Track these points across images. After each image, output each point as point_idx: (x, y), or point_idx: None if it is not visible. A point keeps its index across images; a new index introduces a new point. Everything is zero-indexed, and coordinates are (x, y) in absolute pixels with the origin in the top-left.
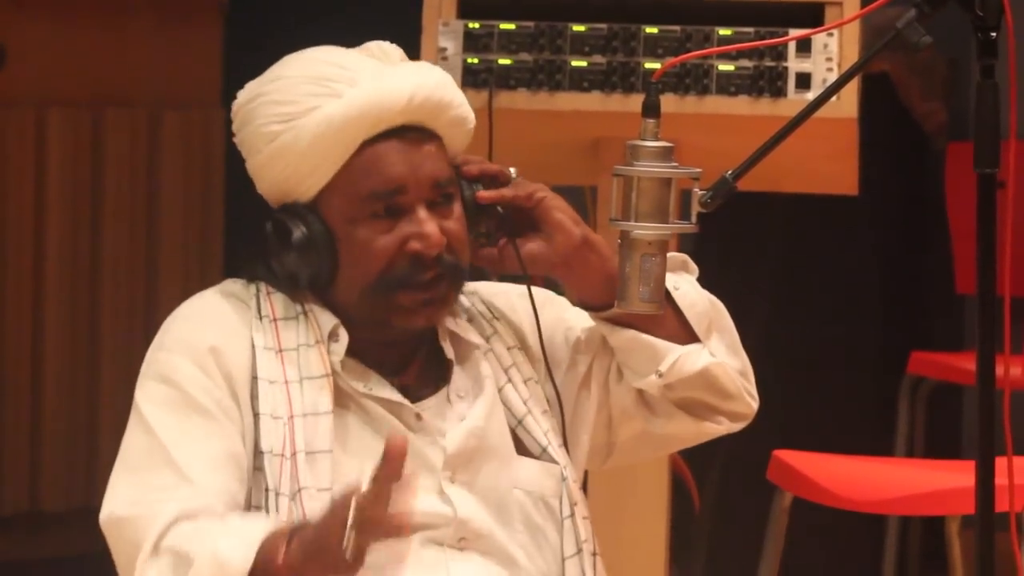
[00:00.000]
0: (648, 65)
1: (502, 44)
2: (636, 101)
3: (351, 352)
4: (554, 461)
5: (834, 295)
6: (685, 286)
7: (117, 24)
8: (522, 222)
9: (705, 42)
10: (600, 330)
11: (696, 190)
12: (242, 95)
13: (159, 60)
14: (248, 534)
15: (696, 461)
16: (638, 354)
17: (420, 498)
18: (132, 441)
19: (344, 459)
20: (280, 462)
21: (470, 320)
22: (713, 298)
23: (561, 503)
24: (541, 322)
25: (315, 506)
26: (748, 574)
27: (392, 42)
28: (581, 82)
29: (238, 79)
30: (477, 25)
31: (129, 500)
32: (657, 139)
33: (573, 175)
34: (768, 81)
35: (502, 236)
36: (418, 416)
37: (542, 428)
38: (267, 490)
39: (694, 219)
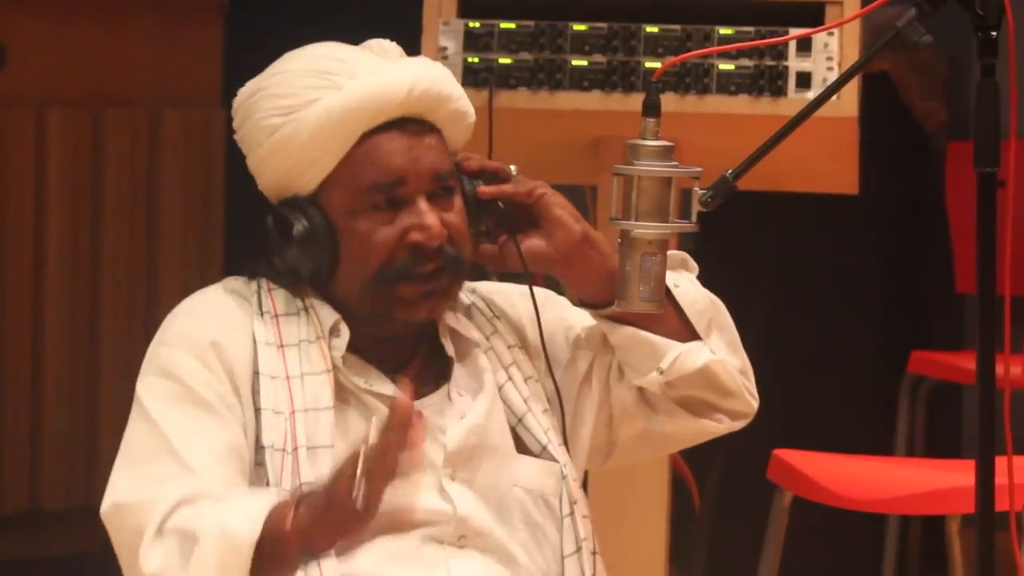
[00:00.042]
0: (648, 64)
1: (502, 43)
2: (636, 100)
3: (352, 348)
4: (554, 459)
5: (834, 294)
6: (685, 284)
7: (117, 24)
8: (522, 219)
9: (705, 41)
10: (600, 328)
11: (696, 189)
12: (242, 92)
13: (159, 60)
14: (254, 506)
15: (696, 461)
16: (639, 352)
17: (420, 495)
18: (134, 434)
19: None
20: (281, 457)
21: (470, 318)
22: (713, 296)
23: (561, 501)
24: (542, 321)
25: None
26: (748, 574)
27: (392, 41)
28: (581, 81)
29: (238, 79)
30: (477, 24)
31: (131, 489)
32: (657, 138)
33: (573, 174)
34: (768, 80)
35: (502, 233)
36: (418, 413)
37: (542, 426)
38: (268, 485)
39: (694, 218)
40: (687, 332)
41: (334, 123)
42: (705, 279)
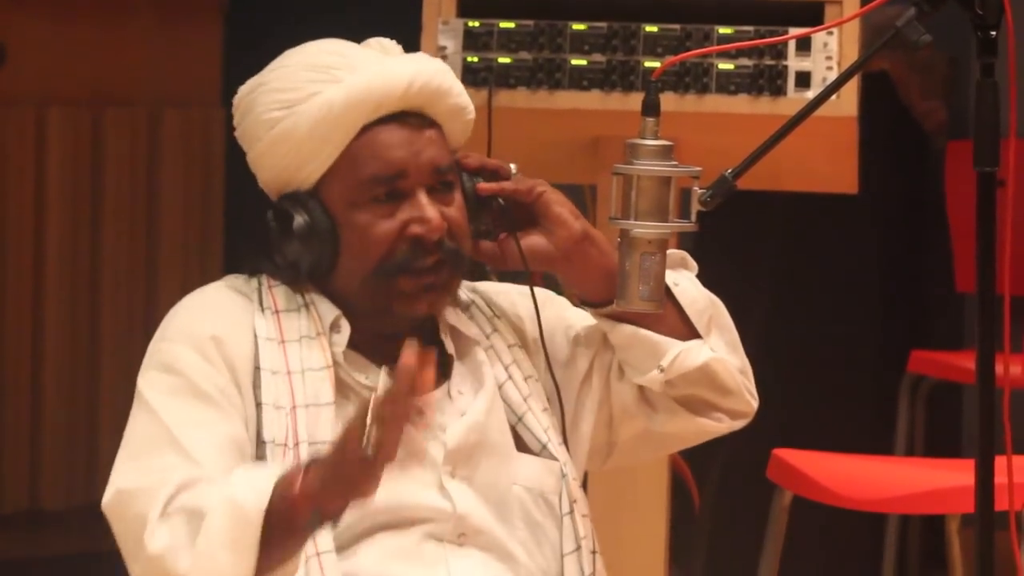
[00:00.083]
0: (648, 64)
1: (502, 43)
2: (636, 100)
3: (352, 345)
4: (554, 458)
5: (834, 294)
6: (685, 283)
7: (117, 23)
8: (522, 217)
9: (705, 41)
10: (601, 327)
11: (696, 189)
12: (243, 88)
13: (159, 59)
14: (261, 477)
15: (696, 461)
16: (639, 350)
17: (420, 493)
18: (135, 427)
19: None
20: (283, 452)
21: (471, 316)
22: (713, 296)
23: (560, 500)
24: (541, 320)
25: None
26: (748, 574)
27: (392, 40)
28: (581, 81)
29: (238, 78)
30: (477, 24)
31: (134, 477)
32: (657, 138)
33: (573, 174)
34: (768, 80)
35: (502, 231)
36: (419, 410)
37: (542, 425)
38: None
39: (694, 218)
40: (687, 331)
41: (334, 116)
42: (704, 279)
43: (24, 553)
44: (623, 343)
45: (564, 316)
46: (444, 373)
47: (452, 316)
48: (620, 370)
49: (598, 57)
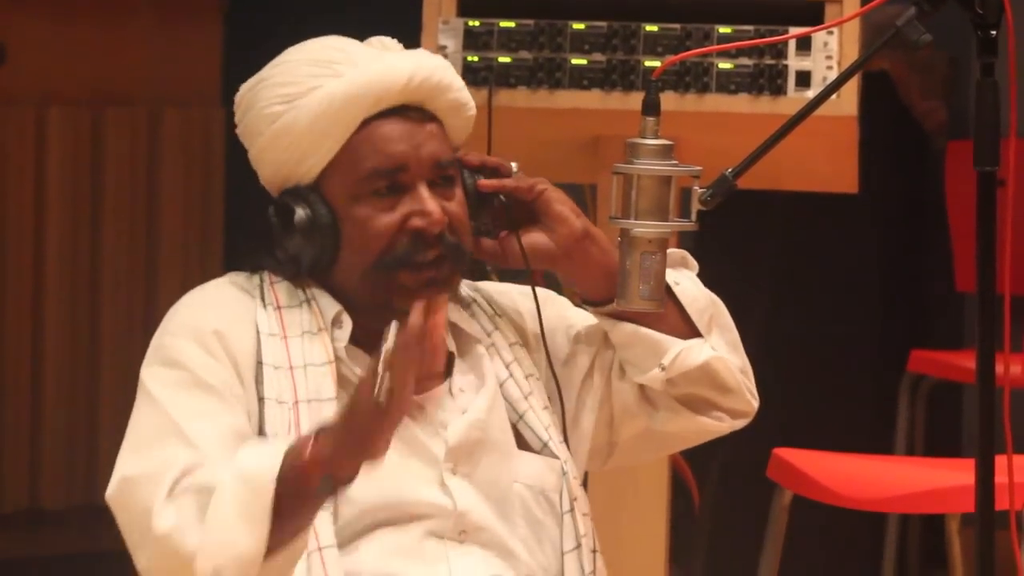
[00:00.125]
0: (648, 63)
1: (502, 42)
2: (636, 99)
3: (354, 340)
4: (555, 456)
5: (834, 293)
6: (686, 282)
7: (117, 22)
8: (522, 215)
9: (705, 40)
10: (602, 326)
11: (696, 188)
12: (244, 85)
13: (159, 58)
14: (269, 449)
15: (696, 461)
16: (640, 349)
17: (421, 489)
18: (139, 419)
19: None
20: None
21: (472, 315)
22: (713, 296)
23: (561, 498)
24: (543, 319)
25: None
26: (748, 573)
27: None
28: (581, 80)
29: (238, 78)
30: (477, 23)
31: (138, 465)
32: (657, 137)
33: (573, 173)
34: (768, 79)
35: (503, 229)
36: (420, 407)
37: (543, 423)
38: None
39: (694, 217)
40: (688, 329)
41: (335, 109)
42: (705, 278)
43: (24, 553)
44: (624, 341)
45: (565, 315)
46: (446, 371)
47: (453, 313)
48: (621, 369)
49: (598, 56)
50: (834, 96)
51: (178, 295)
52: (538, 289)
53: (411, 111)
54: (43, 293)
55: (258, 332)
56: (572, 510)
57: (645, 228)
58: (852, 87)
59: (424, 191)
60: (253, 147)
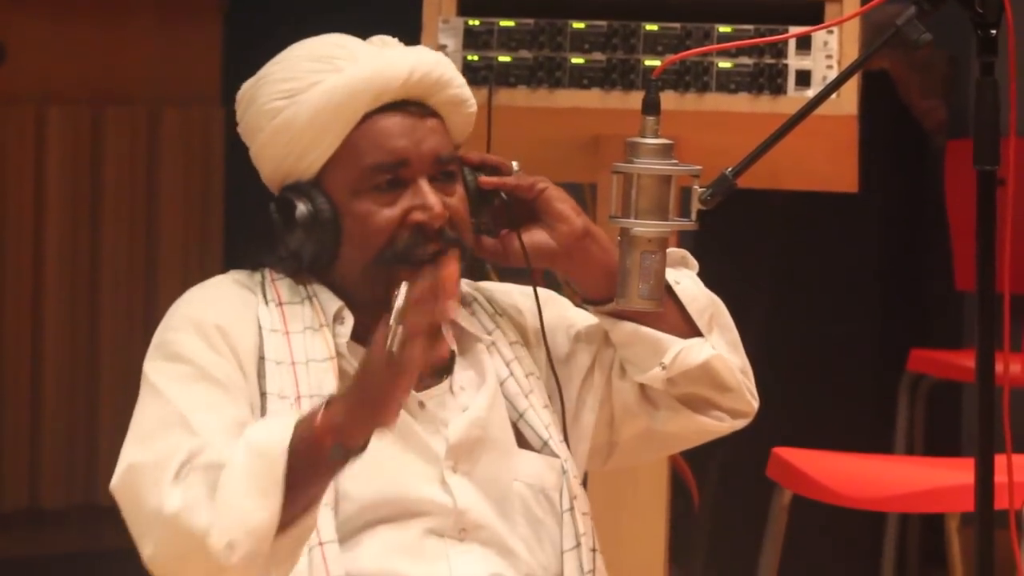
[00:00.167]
0: (648, 62)
1: (502, 41)
2: (636, 98)
3: (355, 337)
4: (555, 455)
5: (834, 293)
6: (686, 281)
7: (117, 22)
8: (523, 213)
9: (705, 39)
10: (602, 325)
11: (696, 187)
12: (245, 84)
13: (159, 58)
14: (279, 421)
15: (696, 461)
16: (640, 348)
17: (421, 487)
18: (144, 411)
19: None
20: None
21: (473, 313)
22: (713, 295)
23: (561, 497)
24: (544, 319)
25: None
26: (748, 573)
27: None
28: (581, 79)
29: (238, 77)
30: (477, 22)
31: (144, 453)
32: (657, 136)
33: (573, 172)
34: (768, 78)
35: (503, 227)
36: (421, 404)
37: (543, 422)
38: None
39: (694, 216)
40: (688, 328)
41: (335, 104)
42: (704, 278)
43: (24, 552)
44: (624, 340)
45: (565, 315)
46: (446, 369)
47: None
48: (621, 368)
49: (598, 56)
50: (834, 95)
51: (178, 295)
52: (539, 288)
53: (412, 106)
54: (43, 293)
55: (260, 328)
56: (572, 509)
57: (645, 227)
58: (852, 86)
59: (425, 185)
60: (254, 144)
